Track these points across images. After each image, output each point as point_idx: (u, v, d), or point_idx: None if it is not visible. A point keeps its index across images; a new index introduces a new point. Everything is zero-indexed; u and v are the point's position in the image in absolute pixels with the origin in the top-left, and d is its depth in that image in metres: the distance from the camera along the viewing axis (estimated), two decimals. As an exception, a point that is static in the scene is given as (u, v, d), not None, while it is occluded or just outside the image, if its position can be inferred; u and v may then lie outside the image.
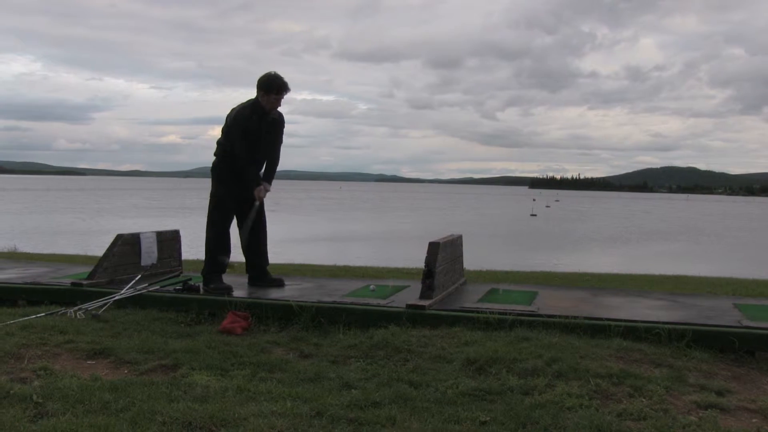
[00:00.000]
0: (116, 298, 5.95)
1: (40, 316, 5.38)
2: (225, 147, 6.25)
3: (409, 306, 5.43)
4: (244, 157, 6.14)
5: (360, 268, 9.40)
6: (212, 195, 6.37)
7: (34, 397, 3.56)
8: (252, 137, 6.13)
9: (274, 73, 6.13)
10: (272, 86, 6.11)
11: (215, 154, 6.38)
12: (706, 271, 13.57)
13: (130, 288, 6.15)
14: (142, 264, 6.98)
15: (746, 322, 5.06)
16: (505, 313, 5.25)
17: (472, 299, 5.97)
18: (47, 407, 3.44)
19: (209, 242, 6.38)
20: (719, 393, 3.85)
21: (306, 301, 5.69)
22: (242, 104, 6.22)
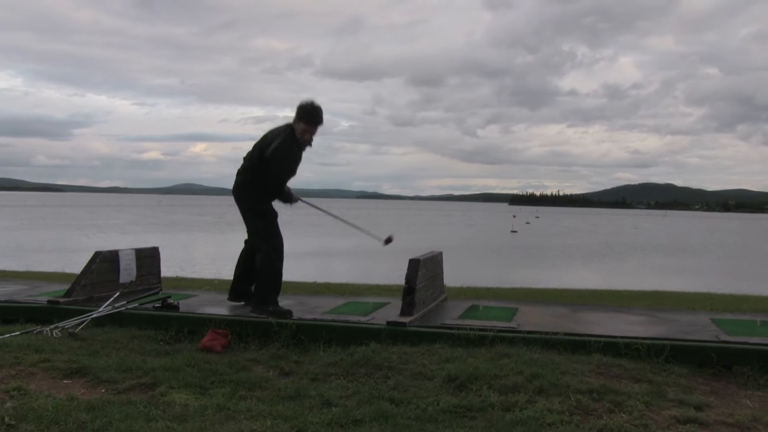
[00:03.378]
0: (94, 315, 5.88)
1: (14, 335, 5.31)
2: (257, 169, 6.04)
3: (389, 323, 5.42)
4: (282, 191, 6.13)
5: (340, 284, 9.37)
6: (253, 211, 6.13)
7: (6, 419, 3.49)
8: (293, 168, 6.11)
9: (318, 104, 5.95)
10: (318, 118, 5.95)
11: (240, 172, 6.18)
12: (684, 286, 13.69)
13: (108, 305, 6.09)
14: (121, 281, 6.91)
15: (724, 337, 5.12)
16: (486, 330, 5.25)
17: (452, 316, 5.97)
18: (20, 429, 3.38)
19: (268, 258, 6.06)
20: (698, 408, 3.87)
21: (286, 318, 5.67)
22: (285, 133, 5.97)
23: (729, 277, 22.27)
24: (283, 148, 5.93)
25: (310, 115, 5.96)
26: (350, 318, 5.76)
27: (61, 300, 6.34)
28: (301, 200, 6.42)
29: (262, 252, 6.11)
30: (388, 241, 6.43)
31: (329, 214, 6.56)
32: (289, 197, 6.24)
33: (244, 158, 6.21)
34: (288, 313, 5.90)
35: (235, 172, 6.25)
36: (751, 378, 4.51)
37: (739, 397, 4.20)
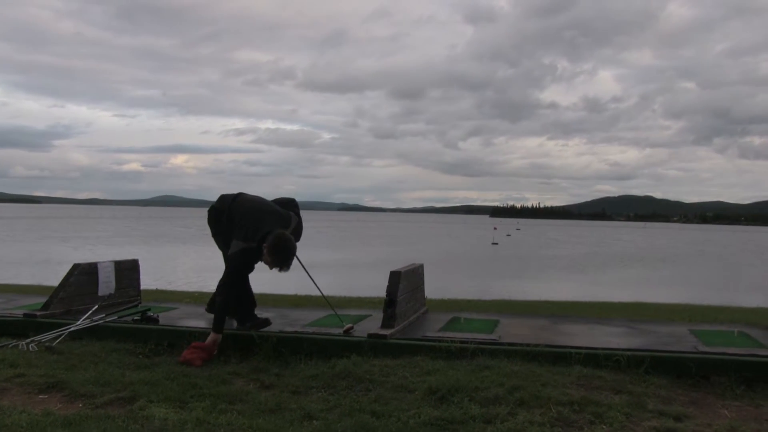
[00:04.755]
0: (72, 329, 5.81)
1: (-10, 349, 5.23)
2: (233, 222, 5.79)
3: (370, 335, 5.41)
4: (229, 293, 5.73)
5: (321, 297, 9.34)
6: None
7: (-21, 435, 3.44)
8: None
9: (286, 247, 5.52)
10: (282, 260, 5.51)
11: (217, 208, 5.94)
12: (663, 297, 13.82)
13: (86, 319, 6.02)
14: (100, 294, 6.84)
15: (702, 348, 5.17)
16: (467, 342, 5.26)
17: (433, 328, 5.97)
18: (-6, 445, 3.33)
19: (228, 284, 5.82)
20: (677, 418, 3.89)
21: (267, 331, 5.64)
22: (249, 245, 5.59)
23: (707, 288, 22.51)
24: (244, 253, 5.62)
25: (280, 254, 5.51)
26: (331, 330, 5.74)
27: (38, 313, 6.26)
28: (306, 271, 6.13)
29: (225, 273, 5.89)
30: (348, 330, 5.88)
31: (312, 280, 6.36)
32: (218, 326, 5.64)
33: (232, 199, 5.89)
34: (266, 323, 5.88)
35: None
36: (729, 388, 4.55)
37: (717, 407, 4.24)
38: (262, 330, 5.69)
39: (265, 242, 5.49)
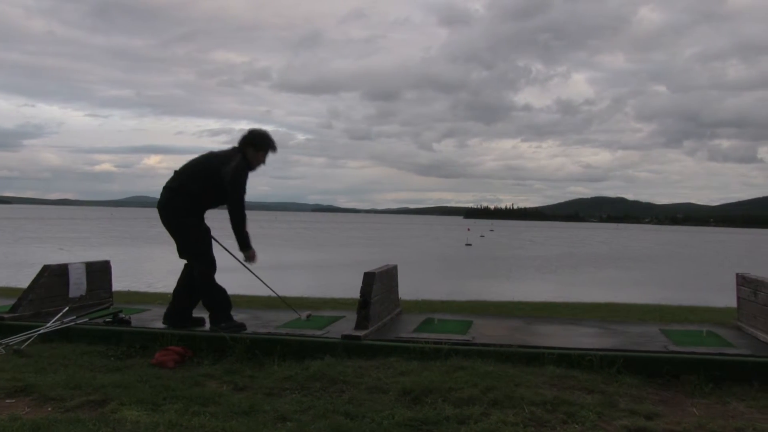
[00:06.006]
0: (41, 331, 5.73)
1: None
2: (189, 188, 5.87)
3: (344, 336, 5.41)
4: (244, 215, 5.86)
5: (295, 298, 9.31)
6: (187, 226, 5.93)
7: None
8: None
9: (266, 131, 5.98)
10: (268, 145, 5.96)
11: (168, 187, 5.93)
12: (635, 298, 13.97)
13: (56, 321, 5.94)
14: (71, 296, 6.75)
15: (672, 348, 5.25)
16: (441, 343, 5.28)
17: (407, 329, 5.99)
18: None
19: (205, 275, 5.92)
20: (648, 417, 3.95)
21: (240, 333, 5.61)
22: (236, 157, 5.86)
23: (677, 288, 22.80)
24: (241, 170, 5.84)
25: (259, 141, 5.96)
26: (305, 332, 5.73)
27: (6, 315, 6.16)
28: (246, 266, 6.14)
29: (197, 270, 5.94)
30: (308, 317, 6.46)
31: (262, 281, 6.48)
32: (247, 243, 5.93)
33: (177, 172, 5.99)
34: (241, 327, 5.84)
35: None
36: (698, 386, 4.63)
37: (687, 405, 4.31)
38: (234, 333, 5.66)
39: (246, 149, 5.88)
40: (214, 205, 6.04)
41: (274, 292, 6.71)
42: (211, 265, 5.97)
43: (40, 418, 3.79)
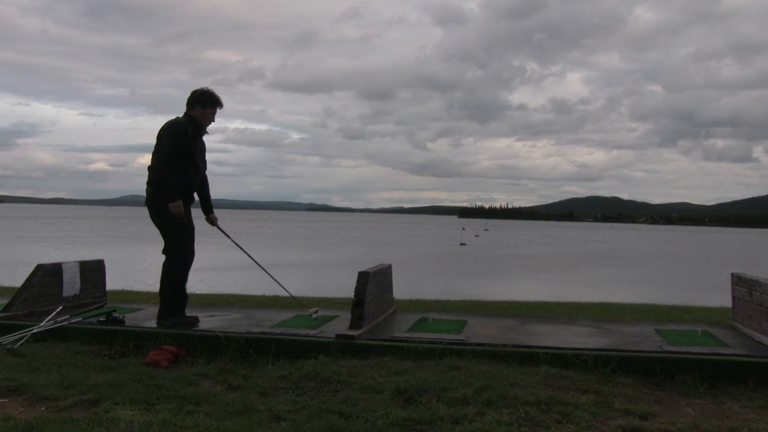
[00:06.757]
0: (35, 331, 5.71)
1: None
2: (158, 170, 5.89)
3: (338, 336, 5.40)
4: (175, 172, 5.79)
5: (289, 297, 9.32)
6: (169, 227, 5.92)
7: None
8: (191, 155, 5.91)
9: (207, 87, 6.05)
10: (209, 100, 6.00)
11: (150, 182, 5.95)
12: (629, 297, 13.99)
13: (50, 320, 5.91)
14: (64, 295, 6.73)
15: (667, 347, 5.25)
16: (435, 342, 5.27)
17: (402, 329, 5.98)
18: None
19: (170, 271, 5.98)
20: (643, 417, 3.95)
21: (234, 332, 5.60)
22: (177, 120, 5.95)
23: (672, 288, 22.85)
24: (176, 129, 5.86)
25: (200, 98, 5.99)
26: (299, 331, 5.72)
27: None
28: (218, 227, 6.40)
29: (167, 264, 6.01)
30: (316, 313, 6.66)
31: (244, 250, 6.63)
32: (170, 196, 5.85)
33: (149, 168, 6.00)
34: (193, 322, 5.88)
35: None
36: (692, 386, 4.63)
37: (681, 405, 4.31)
38: (229, 332, 5.65)
39: (193, 110, 5.94)
40: (190, 180, 6.02)
41: (286, 290, 7.06)
42: (181, 264, 6.01)
43: (33, 417, 3.77)
